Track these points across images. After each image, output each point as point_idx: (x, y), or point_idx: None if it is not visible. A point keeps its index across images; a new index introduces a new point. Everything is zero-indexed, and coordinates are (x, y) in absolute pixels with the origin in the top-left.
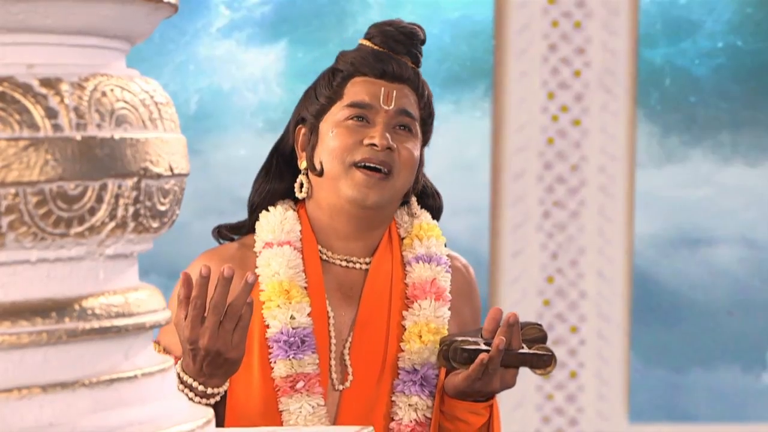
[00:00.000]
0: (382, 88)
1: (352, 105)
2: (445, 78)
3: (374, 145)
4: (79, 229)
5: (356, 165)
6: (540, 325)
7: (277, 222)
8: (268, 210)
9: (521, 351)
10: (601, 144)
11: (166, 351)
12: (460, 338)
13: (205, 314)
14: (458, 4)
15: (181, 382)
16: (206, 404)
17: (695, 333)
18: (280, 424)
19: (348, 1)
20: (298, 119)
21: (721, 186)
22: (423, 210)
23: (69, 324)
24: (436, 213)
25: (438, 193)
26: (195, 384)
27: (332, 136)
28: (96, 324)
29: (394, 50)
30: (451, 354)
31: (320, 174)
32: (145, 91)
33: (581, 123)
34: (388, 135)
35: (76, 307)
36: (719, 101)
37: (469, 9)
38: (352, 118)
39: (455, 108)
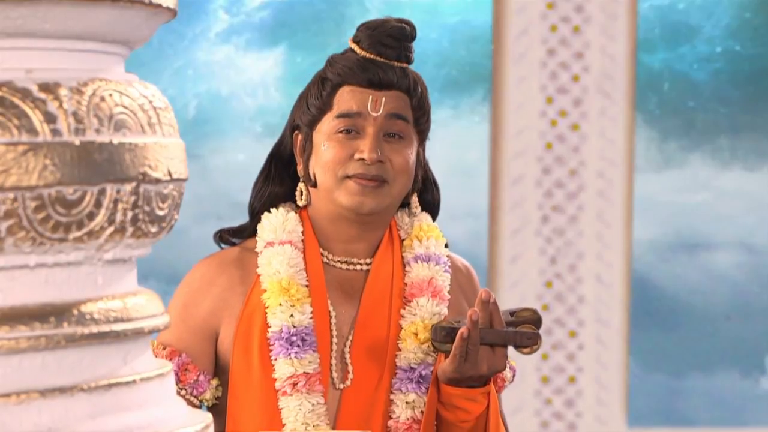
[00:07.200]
0: (370, 96)
1: (340, 116)
2: (443, 83)
3: (364, 159)
4: (78, 233)
5: (349, 177)
6: (535, 309)
7: (279, 222)
8: (270, 212)
9: (503, 329)
10: (600, 149)
11: (164, 346)
12: (444, 321)
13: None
14: (457, 9)
15: None
16: None
17: (694, 338)
18: (280, 422)
19: (347, 5)
20: (293, 125)
21: (720, 191)
22: (424, 213)
23: (67, 329)
24: (434, 209)
25: (436, 185)
26: None
27: (324, 149)
28: (94, 329)
29: (382, 54)
30: (432, 334)
31: (315, 185)
32: (143, 96)
33: (580, 128)
34: (378, 147)
35: (75, 311)
36: (718, 106)
37: (467, 14)
38: (342, 131)
39: (454, 113)
